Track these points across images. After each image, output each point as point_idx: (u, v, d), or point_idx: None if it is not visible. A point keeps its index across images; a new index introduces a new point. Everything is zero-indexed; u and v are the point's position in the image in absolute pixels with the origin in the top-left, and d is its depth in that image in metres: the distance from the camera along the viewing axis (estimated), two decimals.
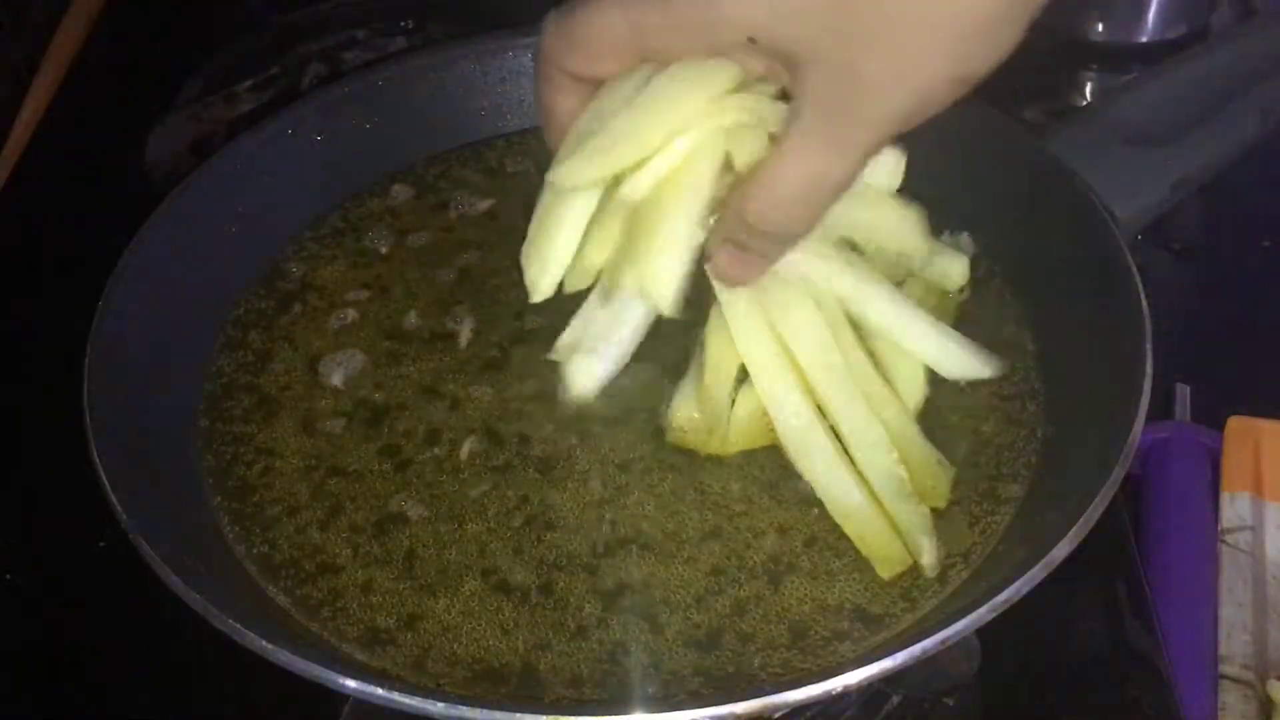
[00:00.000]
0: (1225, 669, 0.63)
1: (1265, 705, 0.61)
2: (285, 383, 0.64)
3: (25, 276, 0.81)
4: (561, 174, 0.52)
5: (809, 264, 0.61)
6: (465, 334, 0.66)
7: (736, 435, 0.59)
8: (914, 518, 0.55)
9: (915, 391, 0.60)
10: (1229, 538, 0.68)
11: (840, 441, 0.57)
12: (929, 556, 0.54)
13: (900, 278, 0.64)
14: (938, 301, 0.64)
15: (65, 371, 0.57)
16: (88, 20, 1.03)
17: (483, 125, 0.78)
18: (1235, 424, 0.73)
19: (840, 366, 0.59)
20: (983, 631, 0.48)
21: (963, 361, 0.60)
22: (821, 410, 0.58)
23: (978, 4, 0.44)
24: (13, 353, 0.77)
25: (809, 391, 0.58)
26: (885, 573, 0.54)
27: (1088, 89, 1.00)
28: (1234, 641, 0.64)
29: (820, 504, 0.56)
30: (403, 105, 0.76)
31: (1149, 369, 0.55)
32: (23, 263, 0.83)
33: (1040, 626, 0.59)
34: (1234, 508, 0.69)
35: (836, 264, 0.62)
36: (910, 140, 0.71)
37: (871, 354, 0.61)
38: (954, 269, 0.64)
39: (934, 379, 0.61)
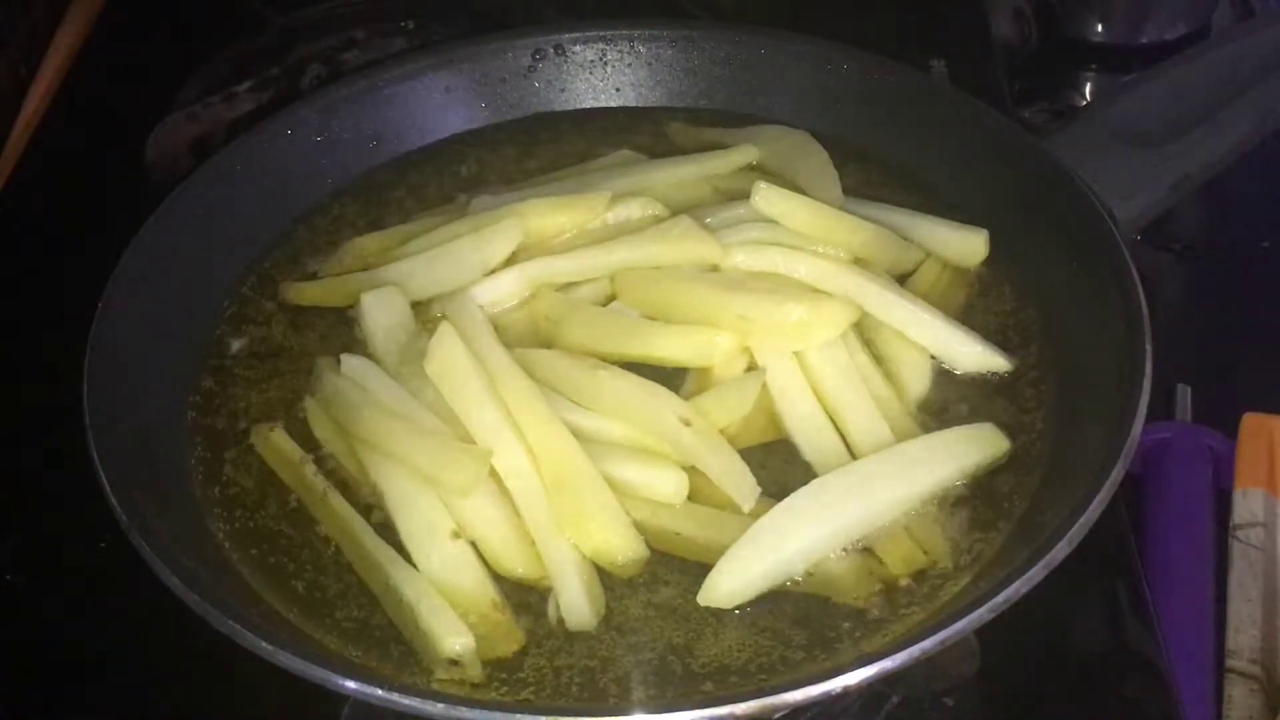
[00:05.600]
0: (1233, 663, 0.63)
1: (1272, 699, 0.61)
2: (285, 383, 0.64)
3: (25, 276, 0.81)
4: None
5: (816, 266, 0.62)
6: None
7: (739, 432, 0.59)
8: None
9: (920, 385, 0.60)
10: (1240, 533, 0.68)
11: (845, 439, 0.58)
12: (941, 550, 0.54)
13: (912, 267, 0.65)
14: (946, 288, 0.65)
15: (65, 371, 0.57)
16: (88, 20, 1.03)
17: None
18: (1249, 420, 0.72)
19: (848, 365, 0.59)
20: (983, 631, 0.48)
21: (974, 354, 0.60)
22: (826, 409, 0.59)
23: None
24: (13, 353, 0.77)
25: (820, 391, 0.59)
26: (901, 570, 0.54)
27: (1088, 89, 1.00)
28: (1243, 636, 0.64)
29: None
30: (402, 105, 0.76)
31: (1149, 369, 0.55)
32: (23, 263, 0.83)
33: (1040, 626, 0.59)
34: (1246, 503, 0.69)
35: (843, 264, 0.63)
36: (910, 141, 0.72)
37: (874, 350, 0.61)
38: (974, 243, 0.65)
39: (934, 378, 0.61)
